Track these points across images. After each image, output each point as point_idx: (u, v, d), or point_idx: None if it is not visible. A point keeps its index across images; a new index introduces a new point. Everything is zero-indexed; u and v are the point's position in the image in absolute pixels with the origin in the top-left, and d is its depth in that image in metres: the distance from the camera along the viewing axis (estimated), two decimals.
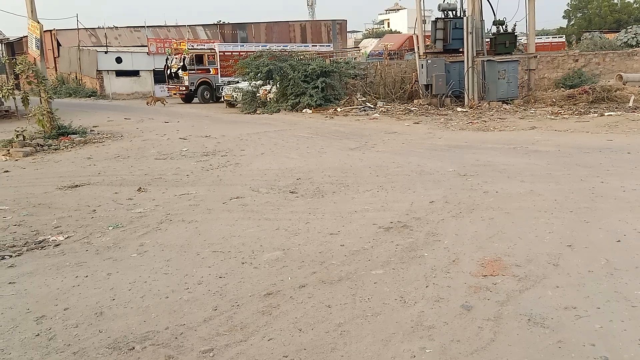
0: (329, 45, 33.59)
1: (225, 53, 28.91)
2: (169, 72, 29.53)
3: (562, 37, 45.90)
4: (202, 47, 29.76)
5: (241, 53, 28.59)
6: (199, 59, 28.31)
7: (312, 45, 32.26)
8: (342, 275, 4.28)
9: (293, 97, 19.61)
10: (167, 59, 30.64)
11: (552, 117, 14.91)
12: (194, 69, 28.06)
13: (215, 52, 28.67)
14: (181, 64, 28.08)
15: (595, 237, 4.96)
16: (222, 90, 27.43)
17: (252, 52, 28.58)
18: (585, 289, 3.87)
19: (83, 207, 6.75)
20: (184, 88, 28.20)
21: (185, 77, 28.05)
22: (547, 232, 5.15)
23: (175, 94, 29.32)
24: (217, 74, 28.64)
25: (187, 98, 28.82)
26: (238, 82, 27.74)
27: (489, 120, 14.86)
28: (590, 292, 3.83)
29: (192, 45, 29.32)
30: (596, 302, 3.67)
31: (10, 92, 13.93)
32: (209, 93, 28.41)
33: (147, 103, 26.96)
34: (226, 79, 28.23)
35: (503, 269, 4.28)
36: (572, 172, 7.74)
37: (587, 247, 4.70)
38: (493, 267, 4.31)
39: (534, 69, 19.99)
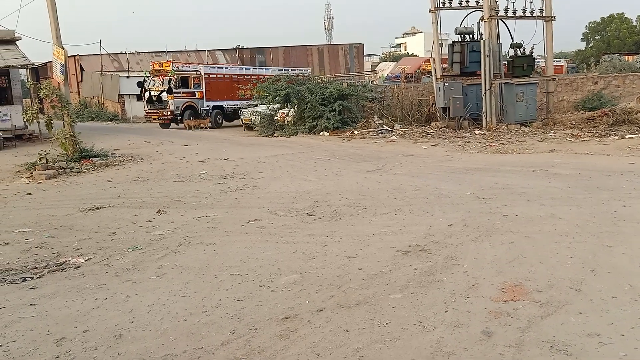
0: (307, 70, 32.59)
1: (211, 76, 27.44)
2: (147, 95, 27.02)
3: (560, 60, 45.36)
4: (187, 68, 27.92)
5: (225, 76, 28.07)
6: (184, 81, 26.42)
7: (292, 70, 31.14)
8: (360, 299, 4.26)
9: (310, 120, 19.75)
10: (144, 81, 28.04)
11: (572, 139, 14.77)
12: (179, 92, 26.01)
13: (200, 74, 27.04)
14: (165, 86, 26.00)
15: (618, 262, 4.87)
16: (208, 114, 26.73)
17: (236, 75, 28.51)
18: (609, 315, 3.79)
19: (103, 229, 6.84)
20: (169, 112, 26.02)
21: (171, 101, 25.88)
22: (568, 256, 5.07)
23: (155, 119, 27.10)
24: (203, 97, 26.92)
25: (166, 124, 26.94)
26: (223, 107, 27.48)
27: (507, 142, 14.78)
28: (614, 318, 3.74)
29: (177, 67, 27.19)
30: (620, 328, 3.59)
31: (35, 116, 14.25)
32: (194, 118, 26.36)
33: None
34: (212, 103, 27.17)
35: (524, 294, 4.22)
36: (593, 196, 7.63)
37: (610, 272, 4.61)
38: (514, 292, 4.25)
39: (553, 92, 19.90)
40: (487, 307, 4.00)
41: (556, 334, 3.53)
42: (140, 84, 28.60)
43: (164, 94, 26.12)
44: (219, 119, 27.59)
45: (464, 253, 5.30)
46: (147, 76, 27.91)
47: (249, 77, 29.09)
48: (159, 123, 27.22)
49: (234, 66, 34.79)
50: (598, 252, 5.18)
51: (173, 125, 26.90)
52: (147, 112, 27.87)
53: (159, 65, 27.18)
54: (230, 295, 4.46)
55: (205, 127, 25.45)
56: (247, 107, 26.91)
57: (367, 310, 4.04)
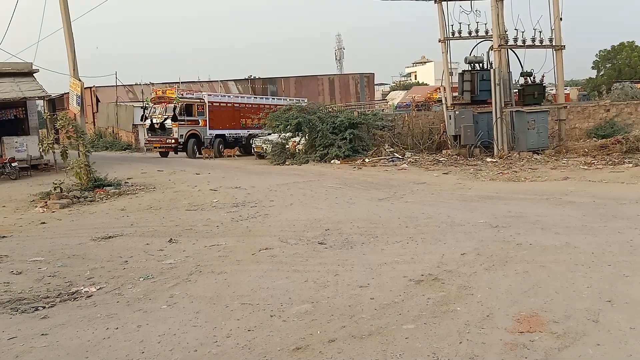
0: (304, 100, 32.27)
1: (214, 104, 26.99)
2: (149, 123, 26.12)
3: (565, 88, 45.32)
4: (191, 96, 27.07)
5: (228, 104, 27.87)
6: (188, 109, 25.73)
7: (286, 99, 31.78)
8: (373, 329, 4.20)
9: (321, 149, 19.86)
10: (144, 109, 27.20)
11: (585, 167, 14.66)
12: (183, 120, 25.42)
13: (204, 102, 26.51)
14: (169, 114, 25.37)
15: (635, 292, 4.77)
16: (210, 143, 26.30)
17: (237, 104, 28.40)
18: (628, 347, 3.70)
19: (115, 258, 6.85)
20: (173, 141, 25.30)
21: (175, 129, 25.15)
22: (585, 286, 4.98)
23: (157, 147, 26.33)
24: (206, 125, 26.41)
25: (165, 152, 26.42)
26: (225, 135, 27.02)
27: (519, 170, 14.71)
28: (632, 350, 3.65)
29: (181, 94, 26.39)
30: None
31: (51, 146, 14.49)
32: (197, 146, 26.03)
33: (207, 156, 25.39)
34: (214, 132, 26.70)
35: (540, 325, 4.13)
36: (609, 224, 7.53)
37: (628, 303, 4.52)
38: (529, 323, 4.16)
39: (564, 119, 19.88)
40: (502, 338, 3.93)
41: None
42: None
43: (168, 122, 25.43)
44: (221, 148, 27.07)
45: (478, 282, 5.22)
46: (147, 103, 27.12)
47: (250, 106, 29.22)
48: (159, 152, 26.59)
49: (236, 95, 34.06)
50: (615, 282, 5.08)
51: (171, 154, 26.42)
52: (148, 140, 26.95)
53: (162, 92, 26.53)
54: (241, 325, 4.42)
55: (234, 156, 25.57)
56: (248, 136, 27.00)
57: (380, 341, 3.98)
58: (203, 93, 28.74)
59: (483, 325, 4.18)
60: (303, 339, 4.09)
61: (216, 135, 26.85)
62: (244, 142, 28.13)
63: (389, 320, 4.36)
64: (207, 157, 25.42)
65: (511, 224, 7.79)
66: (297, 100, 31.20)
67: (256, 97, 33.34)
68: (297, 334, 4.18)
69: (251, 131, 28.25)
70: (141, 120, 27.29)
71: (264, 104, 29.51)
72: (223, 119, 27.23)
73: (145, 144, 27.70)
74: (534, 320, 4.23)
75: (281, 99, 31.92)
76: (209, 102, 26.75)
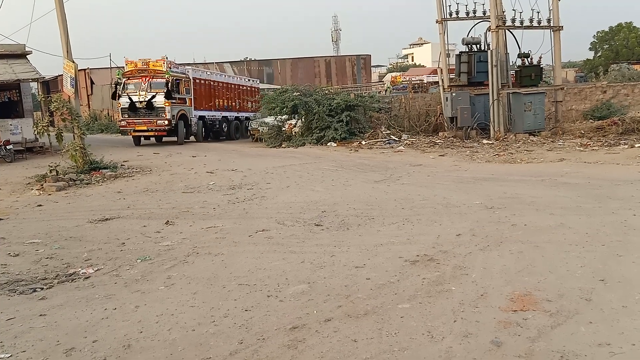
0: (257, 80, 32.09)
1: (196, 81, 23.84)
2: (126, 101, 21.97)
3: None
4: (177, 70, 23.12)
5: (207, 82, 25.18)
6: (177, 85, 22.36)
7: (252, 80, 31.60)
8: (368, 309, 4.24)
9: (318, 131, 19.83)
10: (116, 84, 23.02)
11: (581, 148, 14.71)
12: (175, 98, 22.01)
13: (189, 79, 23.28)
14: (158, 90, 21.64)
15: (628, 272, 4.83)
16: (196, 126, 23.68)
17: (214, 82, 25.93)
18: (620, 325, 3.76)
19: (113, 240, 6.87)
20: (166, 122, 21.66)
21: (168, 108, 21.49)
22: (578, 266, 5.04)
23: (142, 131, 22.23)
24: (191, 105, 23.33)
25: (138, 138, 22.75)
26: (205, 117, 24.40)
27: (515, 152, 14.74)
28: (624, 328, 3.71)
29: (170, 67, 22.32)
30: (631, 338, 3.55)
31: (45, 128, 14.41)
32: (185, 128, 23.01)
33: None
34: (198, 112, 23.86)
35: (534, 303, 4.19)
36: (603, 205, 7.58)
37: (621, 282, 4.58)
38: (523, 302, 4.22)
39: (561, 101, 19.86)
40: (496, 316, 3.98)
41: (566, 344, 3.50)
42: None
43: (159, 99, 21.66)
44: (203, 131, 24.87)
45: (473, 263, 5.27)
46: (119, 78, 22.97)
47: (227, 85, 27.19)
48: (133, 136, 22.93)
49: (217, 73, 31.02)
50: (608, 261, 5.14)
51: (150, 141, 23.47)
52: (127, 122, 22.32)
53: (143, 64, 22.15)
54: (239, 305, 4.46)
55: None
56: (221, 119, 25.88)
57: (375, 320, 4.03)
58: (187, 68, 25.48)
59: (477, 304, 4.23)
60: (300, 318, 4.13)
61: (199, 116, 24.25)
62: (217, 127, 26.00)
63: (385, 300, 4.41)
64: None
65: (506, 205, 7.84)
66: (250, 80, 31.41)
67: (233, 77, 31.06)
68: (294, 314, 4.22)
69: (224, 113, 26.31)
70: (113, 98, 23.60)
71: (244, 85, 28.97)
72: (205, 98, 24.78)
73: (120, 127, 23.45)
74: (528, 299, 4.28)
75: (247, 79, 31.60)
76: (193, 78, 23.70)
